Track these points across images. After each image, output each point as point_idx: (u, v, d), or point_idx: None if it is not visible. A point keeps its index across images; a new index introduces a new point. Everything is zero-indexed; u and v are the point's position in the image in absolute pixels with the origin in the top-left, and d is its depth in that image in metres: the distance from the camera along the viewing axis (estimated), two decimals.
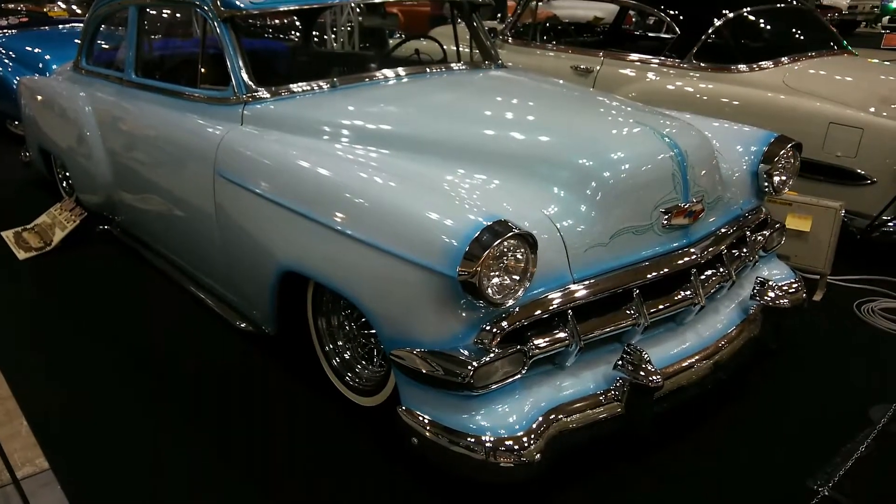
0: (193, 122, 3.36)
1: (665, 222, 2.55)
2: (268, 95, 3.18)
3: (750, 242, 2.98)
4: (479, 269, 2.09)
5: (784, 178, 3.13)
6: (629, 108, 2.96)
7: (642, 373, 2.40)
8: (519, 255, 2.18)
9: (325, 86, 3.26)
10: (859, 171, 4.15)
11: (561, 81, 3.58)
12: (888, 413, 2.80)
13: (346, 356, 2.88)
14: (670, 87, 4.91)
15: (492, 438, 2.24)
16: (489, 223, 2.13)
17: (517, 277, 2.19)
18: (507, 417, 2.28)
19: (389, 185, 2.47)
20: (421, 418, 2.33)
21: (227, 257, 3.18)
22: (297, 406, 2.92)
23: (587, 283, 2.39)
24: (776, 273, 3.20)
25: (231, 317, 3.36)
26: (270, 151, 2.90)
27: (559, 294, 2.34)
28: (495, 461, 2.23)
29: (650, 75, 5.08)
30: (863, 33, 17.07)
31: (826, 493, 2.46)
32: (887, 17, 17.33)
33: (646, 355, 2.42)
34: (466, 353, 2.22)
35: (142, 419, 2.87)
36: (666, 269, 2.56)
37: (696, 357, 2.66)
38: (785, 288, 3.02)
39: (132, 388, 3.08)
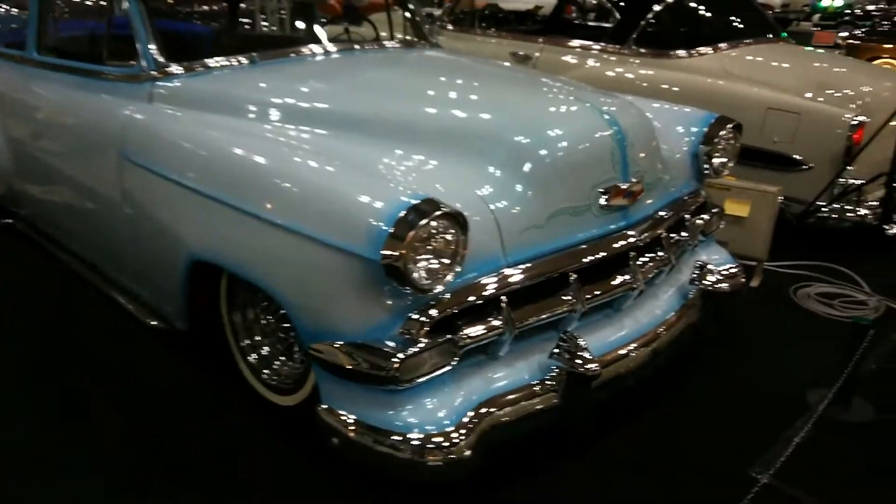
0: (99, 102, 3.08)
1: (603, 202, 2.43)
2: (180, 71, 2.92)
3: (689, 226, 2.89)
4: (404, 251, 1.91)
5: (724, 159, 3.05)
6: (568, 86, 2.83)
7: (579, 361, 2.26)
8: (448, 237, 2.01)
9: (244, 61, 3.03)
10: (796, 156, 4.13)
11: (498, 62, 3.43)
12: (826, 398, 2.74)
13: (264, 352, 2.66)
14: (610, 73, 4.83)
15: (419, 436, 2.07)
16: (416, 202, 1.96)
17: (447, 261, 2.03)
18: (435, 413, 2.12)
19: (308, 164, 2.27)
20: (343, 417, 2.15)
21: (136, 248, 2.92)
22: (210, 408, 2.70)
23: (522, 267, 2.24)
24: (715, 257, 3.11)
25: (142, 314, 3.09)
26: (180, 131, 2.66)
27: (492, 279, 2.18)
28: (422, 460, 2.06)
29: (590, 62, 4.99)
30: (794, 31, 17.53)
31: (767, 481, 2.38)
32: (818, 15, 17.82)
33: (583, 343, 2.29)
34: (392, 344, 2.04)
35: (42, 425, 2.61)
36: (605, 253, 2.43)
37: (635, 344, 2.54)
38: (724, 272, 2.94)
39: (32, 392, 2.81)
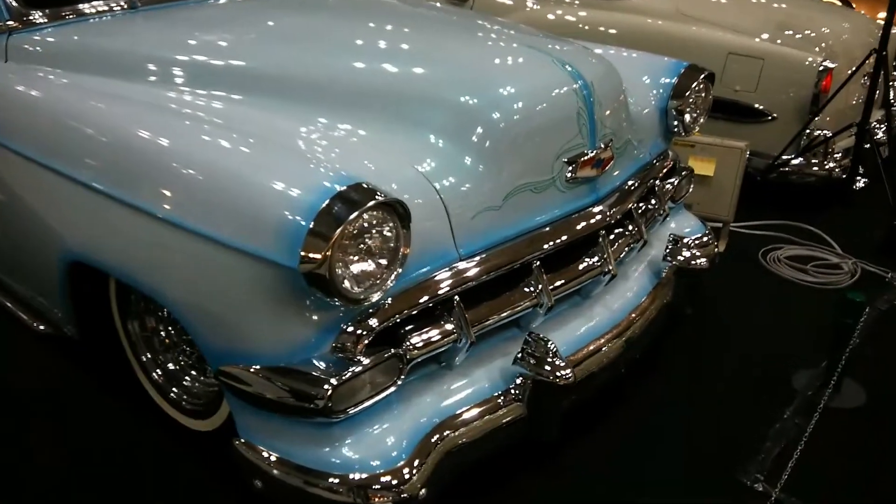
0: None
1: (569, 175, 2.04)
2: (43, 20, 2.36)
3: (659, 193, 2.54)
4: (328, 253, 1.49)
5: (695, 115, 2.69)
6: (519, 33, 2.40)
7: (548, 367, 1.90)
8: (386, 232, 1.59)
9: (124, 5, 2.47)
10: (759, 106, 3.82)
11: (437, 4, 2.95)
12: (815, 381, 2.48)
13: (170, 367, 2.20)
14: (551, 16, 4.39)
15: (362, 475, 1.68)
16: (341, 188, 1.53)
17: (385, 262, 1.61)
18: (381, 443, 1.73)
19: (203, 139, 1.79)
20: (266, 455, 1.73)
21: (6, 241, 2.40)
22: (113, 433, 2.23)
23: (478, 258, 1.85)
24: (686, 227, 2.77)
25: (28, 316, 2.58)
26: (48, 98, 2.13)
27: (443, 276, 1.78)
28: (363, 501, 1.68)
29: (529, 3, 4.54)
30: None
31: (762, 489, 2.09)
32: None
33: (552, 346, 1.93)
34: (322, 365, 1.64)
35: None
36: (573, 235, 2.06)
37: (607, 336, 2.19)
38: (698, 243, 2.60)
39: None
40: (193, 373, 2.18)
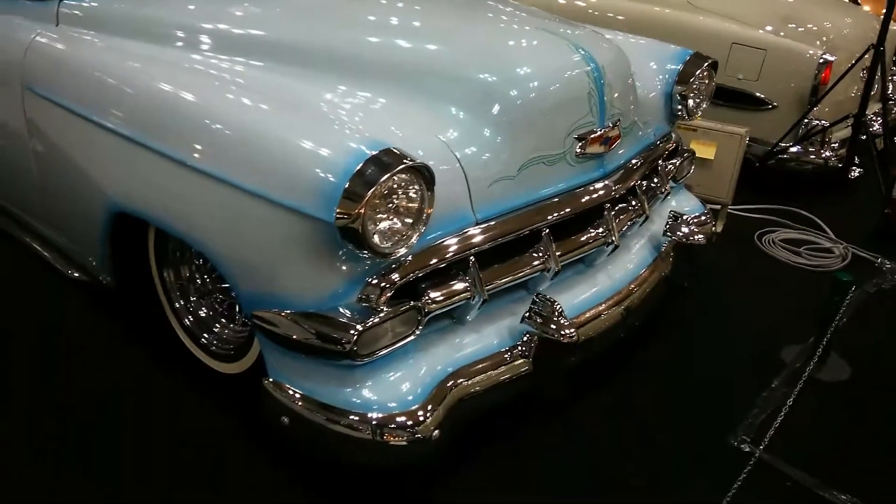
0: None
1: (579, 151, 2.19)
2: None
3: (662, 173, 2.69)
4: (362, 211, 1.65)
5: (698, 100, 2.84)
6: (534, 16, 2.54)
7: (554, 326, 2.07)
8: (412, 193, 1.75)
9: None
10: (760, 94, 3.97)
11: None
12: (803, 355, 2.66)
13: (202, 314, 2.38)
14: (561, 1, 4.51)
15: (381, 415, 1.85)
16: (374, 152, 1.68)
17: (410, 221, 1.77)
18: (398, 387, 1.89)
19: (244, 102, 1.94)
20: (292, 393, 1.91)
21: (48, 192, 2.56)
22: (141, 376, 2.40)
23: (492, 223, 2.01)
24: (685, 205, 2.94)
25: (62, 264, 2.75)
26: (94, 59, 2.27)
27: (460, 238, 1.94)
28: (385, 441, 1.85)
29: None
30: None
31: (748, 449, 2.27)
32: None
33: (558, 306, 2.09)
34: (348, 313, 1.80)
35: None
36: (580, 207, 2.21)
37: (608, 303, 2.36)
38: (697, 221, 2.77)
39: None
40: (223, 320, 2.35)
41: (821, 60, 3.79)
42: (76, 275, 2.71)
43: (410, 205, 1.76)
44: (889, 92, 4.09)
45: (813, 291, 3.18)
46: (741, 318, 2.96)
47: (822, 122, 3.92)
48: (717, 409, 2.44)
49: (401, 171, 1.68)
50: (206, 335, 2.34)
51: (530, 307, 2.10)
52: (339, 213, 1.65)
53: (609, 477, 2.16)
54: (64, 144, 2.36)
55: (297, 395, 1.90)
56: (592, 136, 2.20)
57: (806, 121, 3.91)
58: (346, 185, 1.65)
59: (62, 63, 2.33)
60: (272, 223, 1.79)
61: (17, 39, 2.47)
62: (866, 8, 5.15)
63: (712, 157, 3.52)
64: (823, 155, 3.97)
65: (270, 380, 1.95)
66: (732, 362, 2.68)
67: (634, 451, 2.26)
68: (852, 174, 4.06)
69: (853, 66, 3.82)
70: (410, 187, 1.74)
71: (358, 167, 1.66)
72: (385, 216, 1.73)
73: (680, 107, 2.78)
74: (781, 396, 2.49)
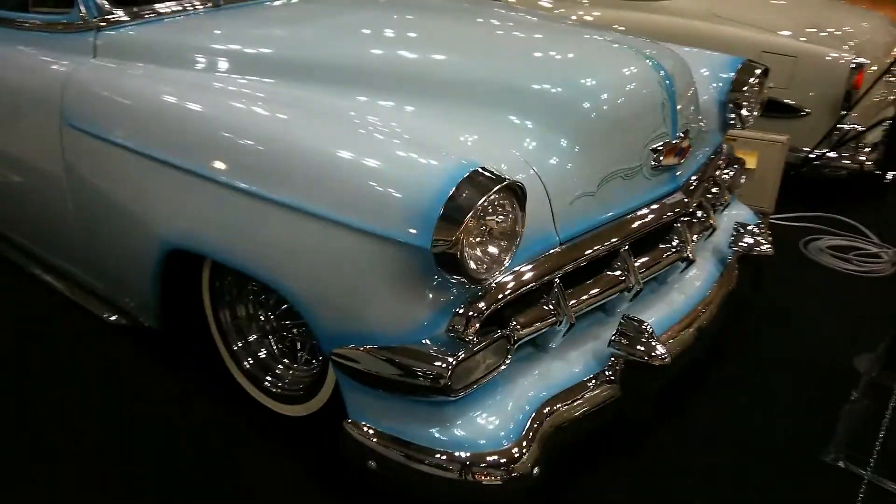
0: (29, 58, 2.52)
1: (654, 163, 2.10)
2: (127, 18, 2.41)
3: (720, 183, 2.61)
4: (461, 235, 1.54)
5: (751, 109, 2.76)
6: (594, 29, 2.46)
7: (643, 348, 1.96)
8: (506, 214, 1.65)
9: (200, 6, 2.52)
10: (792, 102, 3.91)
11: (500, 5, 2.98)
12: (878, 364, 2.55)
13: (262, 355, 2.25)
14: (588, 17, 4.47)
15: (474, 453, 1.73)
16: (467, 173, 1.58)
17: (504, 243, 1.67)
18: (490, 423, 1.78)
19: (317, 129, 1.84)
20: (378, 434, 1.79)
21: (86, 233, 2.43)
22: (198, 421, 2.27)
23: (577, 242, 1.91)
24: (741, 216, 2.85)
25: (97, 308, 2.63)
26: (141, 90, 2.18)
27: (546, 259, 1.84)
28: (478, 480, 1.72)
29: (566, 6, 4.61)
30: None
31: (842, 465, 2.16)
32: None
33: (647, 327, 1.99)
34: (439, 346, 1.69)
35: None
36: (659, 221, 2.12)
37: (684, 321, 2.25)
38: (760, 231, 2.67)
39: None
40: (286, 360, 2.22)
41: (853, 65, 3.74)
42: (112, 318, 2.59)
43: (503, 226, 1.65)
44: None
45: (869, 298, 3.11)
46: (805, 328, 2.86)
47: (857, 126, 3.86)
48: (801, 426, 2.33)
49: (498, 192, 1.58)
50: (269, 377, 2.21)
51: (618, 329, 1.99)
52: (436, 240, 1.54)
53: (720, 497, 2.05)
54: (108, 182, 2.24)
55: (385, 437, 1.78)
56: (667, 147, 2.11)
57: (839, 126, 3.85)
58: (442, 210, 1.54)
59: (106, 96, 2.22)
60: (356, 253, 1.68)
61: (52, 75, 2.37)
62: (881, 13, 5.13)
63: (754, 167, 3.45)
64: (858, 159, 3.90)
65: (351, 421, 1.83)
66: (806, 376, 2.57)
67: (727, 477, 2.14)
68: (888, 178, 3.99)
69: (889, 67, 3.78)
70: (503, 207, 1.64)
71: (453, 190, 1.55)
72: (479, 239, 1.62)
73: (733, 115, 2.70)
74: (864, 409, 2.39)
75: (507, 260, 1.68)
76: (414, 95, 2.00)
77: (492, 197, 1.57)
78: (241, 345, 2.25)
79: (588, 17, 4.43)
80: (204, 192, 1.91)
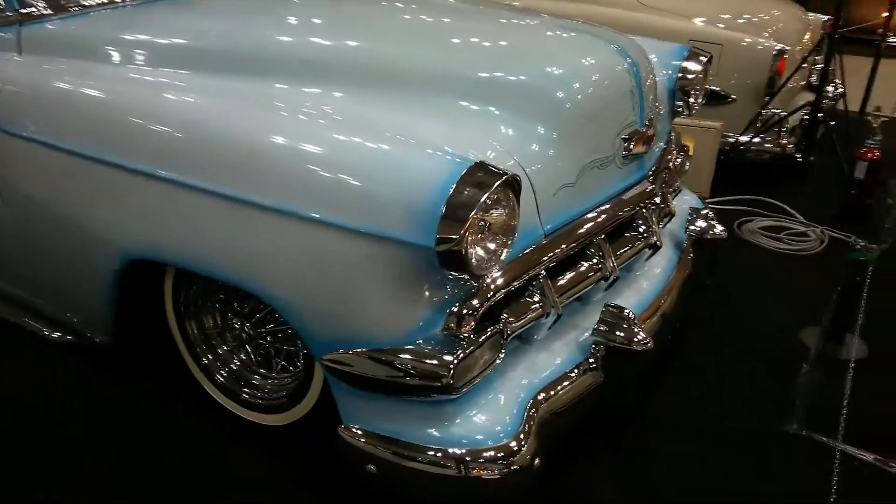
0: None
1: (625, 152, 2.13)
2: (50, 12, 2.21)
3: (673, 170, 2.68)
4: (465, 232, 1.51)
5: (697, 96, 2.85)
6: (557, 19, 2.45)
7: (626, 334, 1.98)
8: (503, 208, 1.63)
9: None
10: (718, 89, 4.07)
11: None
12: (824, 337, 2.70)
13: (235, 366, 2.14)
14: (515, 3, 4.48)
15: (475, 449, 1.71)
16: (467, 168, 1.55)
17: (501, 238, 1.65)
18: (487, 418, 1.76)
19: (300, 127, 1.75)
20: (376, 437, 1.74)
21: (24, 247, 2.25)
22: (172, 442, 2.12)
23: (560, 234, 1.91)
24: (689, 201, 2.94)
25: (38, 325, 2.44)
26: (84, 87, 2.01)
27: (533, 252, 1.83)
28: (479, 476, 1.71)
29: None
30: None
31: (805, 434, 2.27)
32: None
33: (628, 313, 2.01)
34: (437, 346, 1.65)
35: None
36: (632, 209, 2.16)
37: (654, 307, 2.30)
38: (711, 215, 2.77)
39: None
40: (263, 370, 2.12)
41: (775, 51, 3.93)
42: (55, 335, 2.41)
43: (501, 220, 1.63)
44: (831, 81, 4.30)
45: (804, 274, 3.28)
46: (749, 308, 2.99)
47: (780, 111, 4.06)
48: (759, 404, 2.43)
49: (500, 186, 1.55)
50: (246, 389, 2.11)
51: (601, 317, 2.01)
52: (440, 238, 1.51)
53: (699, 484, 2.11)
54: (50, 191, 2.08)
55: (383, 439, 1.73)
56: (636, 136, 2.15)
57: (763, 112, 4.04)
58: (445, 207, 1.50)
59: (42, 95, 2.04)
60: (348, 255, 1.62)
61: None
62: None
63: (691, 153, 3.56)
64: (781, 143, 4.11)
65: (347, 426, 1.77)
66: (757, 355, 2.69)
67: (694, 462, 2.20)
68: (809, 160, 4.22)
69: (810, 53, 3.98)
70: (502, 202, 1.62)
71: (454, 186, 1.52)
72: (480, 235, 1.60)
73: (681, 103, 2.77)
74: (816, 381, 2.51)
75: (504, 254, 1.66)
76: (382, 90, 1.93)
77: (495, 192, 1.55)
78: (210, 357, 2.13)
79: (515, 3, 4.45)
80: (170, 198, 1.80)
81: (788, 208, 3.88)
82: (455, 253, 1.52)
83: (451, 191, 1.51)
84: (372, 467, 1.74)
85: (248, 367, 2.13)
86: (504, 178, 1.56)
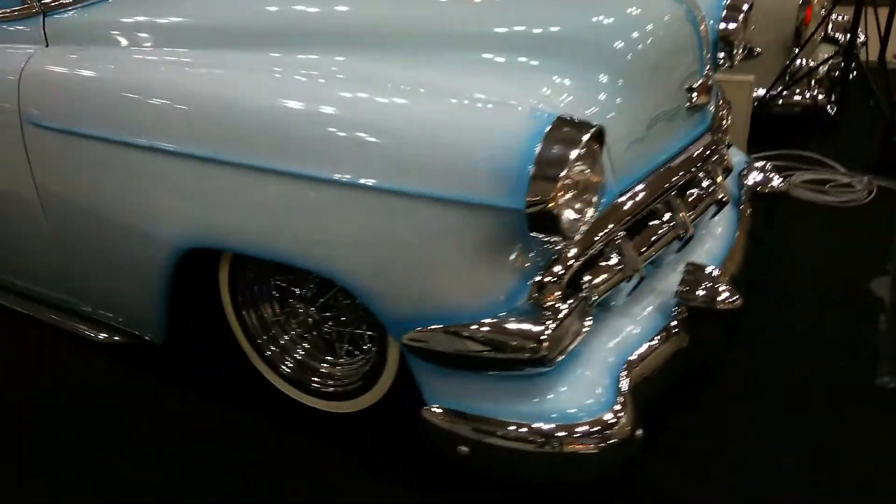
0: None
1: (689, 103, 2.03)
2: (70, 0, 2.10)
3: (723, 124, 2.58)
4: (558, 191, 1.41)
5: (739, 47, 2.73)
6: None
7: (709, 294, 1.89)
8: (589, 163, 1.52)
9: None
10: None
11: None
12: (891, 284, 2.60)
13: (299, 356, 2.05)
14: None
15: (571, 423, 1.62)
16: (551, 123, 1.45)
17: (588, 196, 1.55)
18: (585, 390, 1.66)
19: (361, 96, 1.62)
20: (466, 417, 1.64)
21: (65, 248, 2.15)
22: (251, 443, 2.02)
23: (635, 190, 1.81)
24: (737, 156, 2.85)
25: (83, 328, 2.35)
26: (126, 73, 1.90)
27: (611, 212, 1.73)
28: (580, 450, 1.62)
29: None
30: None
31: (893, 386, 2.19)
32: None
33: (713, 271, 1.92)
34: (526, 317, 1.56)
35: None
36: (701, 162, 2.06)
37: (726, 265, 2.21)
38: (768, 168, 2.67)
39: None
40: (329, 357, 2.02)
41: (801, 1, 3.81)
42: (102, 336, 2.32)
43: (587, 177, 1.53)
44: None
45: (858, 225, 3.19)
46: (811, 262, 2.89)
47: (808, 61, 3.96)
48: (839, 358, 2.34)
49: (590, 140, 1.45)
50: (315, 378, 2.01)
51: (683, 277, 1.91)
52: (531, 200, 1.41)
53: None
54: (90, 184, 1.97)
55: (474, 419, 1.64)
56: (700, 85, 2.05)
57: (791, 64, 3.93)
58: (534, 166, 1.41)
59: (78, 85, 1.94)
60: (429, 226, 1.53)
61: (5, 66, 2.06)
62: None
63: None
64: (812, 95, 4.00)
65: (430, 408, 1.68)
66: (828, 309, 2.59)
67: (782, 427, 2.12)
68: (834, 110, 4.11)
69: (835, 4, 3.87)
70: (588, 157, 1.52)
71: (541, 142, 1.42)
72: (570, 194, 1.50)
73: (723, 54, 2.66)
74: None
75: (590, 214, 1.57)
76: (427, 52, 1.80)
77: (585, 146, 1.45)
78: (273, 349, 2.04)
79: None
80: (232, 180, 1.69)
81: (828, 160, 3.77)
82: (547, 214, 1.42)
83: (539, 148, 1.41)
84: (464, 448, 1.64)
85: (313, 355, 2.04)
86: (593, 130, 1.46)
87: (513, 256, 1.56)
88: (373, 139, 1.54)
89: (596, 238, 1.68)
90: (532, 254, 1.57)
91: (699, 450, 2.00)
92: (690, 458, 1.97)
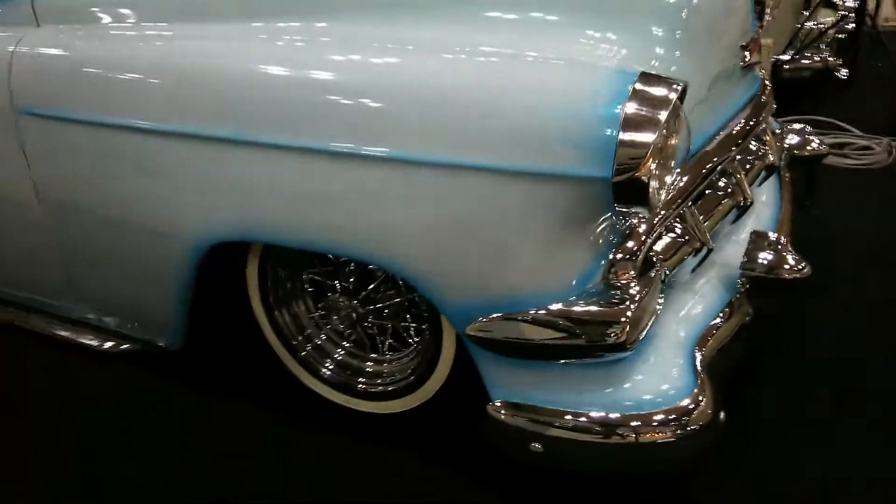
0: None
1: (742, 62, 1.90)
2: None
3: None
4: (648, 157, 1.26)
5: (770, 7, 2.61)
6: None
7: (780, 263, 1.76)
8: (677, 127, 1.38)
9: None
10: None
11: None
12: None
13: (339, 356, 1.88)
14: None
15: (652, 411, 1.48)
16: (634, 81, 1.30)
17: (668, 162, 1.41)
18: (660, 374, 1.53)
19: (413, 65, 1.46)
20: (538, 411, 1.50)
21: (68, 250, 1.96)
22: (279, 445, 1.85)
23: (701, 156, 1.68)
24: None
25: (87, 337, 2.16)
26: (135, 48, 1.72)
27: (678, 180, 1.59)
28: (663, 439, 1.48)
29: None
30: None
31: None
32: None
33: (778, 238, 1.80)
34: (604, 299, 1.42)
35: None
36: (757, 124, 1.93)
37: (780, 232, 2.09)
38: (807, 131, 2.55)
39: None
40: (374, 355, 1.86)
41: None
42: (108, 346, 2.14)
43: (671, 142, 1.39)
44: None
45: (883, 187, 3.10)
46: (844, 226, 2.79)
47: (818, 25, 3.86)
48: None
49: (680, 99, 1.31)
50: (361, 380, 1.85)
51: (748, 248, 1.79)
52: (619, 167, 1.26)
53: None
54: (100, 177, 1.78)
55: (547, 412, 1.49)
56: (752, 42, 1.92)
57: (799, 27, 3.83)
58: (621, 131, 1.26)
59: (79, 66, 1.74)
60: (498, 203, 1.37)
61: None
62: None
63: None
64: (823, 57, 3.90)
65: (496, 403, 1.53)
66: (876, 275, 2.49)
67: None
68: (844, 73, 4.02)
69: None
70: (673, 119, 1.37)
71: (625, 103, 1.27)
72: (658, 160, 1.35)
73: (754, 14, 2.54)
74: None
75: (668, 181, 1.42)
76: (480, 14, 1.64)
77: (673, 106, 1.30)
78: (309, 349, 1.87)
79: None
80: (267, 165, 1.51)
81: (843, 124, 3.68)
82: (636, 182, 1.28)
83: (625, 109, 1.26)
84: (537, 445, 1.50)
85: (355, 354, 1.87)
86: (681, 87, 1.31)
87: (589, 233, 1.41)
88: (429, 109, 1.38)
89: (667, 209, 1.54)
90: (608, 230, 1.43)
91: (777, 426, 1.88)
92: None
